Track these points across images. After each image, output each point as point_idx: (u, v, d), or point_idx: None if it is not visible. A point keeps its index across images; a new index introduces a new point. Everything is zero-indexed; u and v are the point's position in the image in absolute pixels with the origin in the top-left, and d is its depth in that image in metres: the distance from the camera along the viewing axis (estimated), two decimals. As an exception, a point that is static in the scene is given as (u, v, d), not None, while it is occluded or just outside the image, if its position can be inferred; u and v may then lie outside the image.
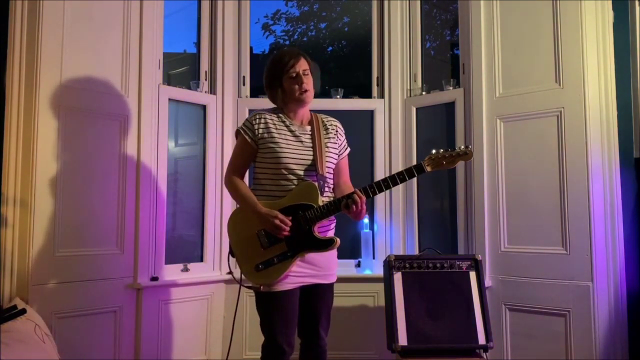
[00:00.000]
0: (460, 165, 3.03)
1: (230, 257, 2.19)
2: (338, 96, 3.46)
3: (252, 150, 2.17)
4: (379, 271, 3.08)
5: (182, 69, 3.48)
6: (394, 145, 3.39)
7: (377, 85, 3.50)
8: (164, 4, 3.08)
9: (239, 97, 3.41)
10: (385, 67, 3.45)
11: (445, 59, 3.76)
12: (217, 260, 3.25)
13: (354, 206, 2.01)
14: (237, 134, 2.23)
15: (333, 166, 2.23)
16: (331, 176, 2.22)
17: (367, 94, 3.50)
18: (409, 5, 3.48)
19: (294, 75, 2.15)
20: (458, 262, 2.76)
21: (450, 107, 3.26)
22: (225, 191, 2.55)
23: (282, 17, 4.36)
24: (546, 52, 2.86)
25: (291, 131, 2.17)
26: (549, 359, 2.74)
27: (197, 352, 3.11)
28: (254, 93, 3.45)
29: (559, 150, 2.79)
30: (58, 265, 2.52)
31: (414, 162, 3.23)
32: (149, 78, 2.95)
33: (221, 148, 3.30)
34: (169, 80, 3.29)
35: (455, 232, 3.18)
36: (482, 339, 2.61)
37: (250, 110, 3.32)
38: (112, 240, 2.75)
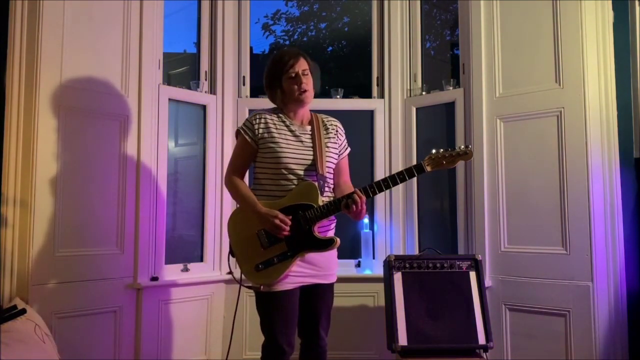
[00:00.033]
0: (460, 165, 3.03)
1: (230, 257, 2.19)
2: (338, 96, 3.46)
3: (252, 150, 2.17)
4: (379, 271, 3.08)
5: (182, 69, 3.48)
6: (394, 145, 3.39)
7: (377, 85, 3.50)
8: (164, 4, 3.08)
9: (239, 97, 3.41)
10: (385, 67, 3.45)
11: (445, 59, 3.76)
12: (217, 260, 3.25)
13: (354, 206, 2.01)
14: (237, 134, 2.23)
15: (333, 166, 2.23)
16: (331, 176, 2.22)
17: (367, 94, 3.50)
18: (409, 5, 3.48)
19: (293, 75, 2.15)
20: (458, 262, 2.76)
21: (450, 107, 3.26)
22: (225, 191, 2.55)
23: (282, 17, 4.36)
24: (546, 52, 2.86)
25: (291, 131, 2.17)
26: (549, 359, 2.74)
27: (197, 352, 3.11)
28: (254, 93, 3.45)
29: (559, 150, 2.79)
30: (58, 265, 2.52)
31: (414, 162, 3.23)
32: (149, 78, 2.95)
33: (221, 148, 3.30)
34: (169, 80, 3.29)
35: (455, 232, 3.18)
36: (482, 339, 2.61)
37: (250, 110, 3.32)
38: (112, 240, 2.75)
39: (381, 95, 3.47)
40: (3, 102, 2.43)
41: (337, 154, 2.25)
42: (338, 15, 4.26)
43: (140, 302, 2.84)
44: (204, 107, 3.31)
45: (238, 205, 2.21)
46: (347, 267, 3.25)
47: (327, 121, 2.28)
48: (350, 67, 4.10)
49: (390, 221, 3.35)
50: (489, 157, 3.02)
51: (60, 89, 2.57)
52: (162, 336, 2.94)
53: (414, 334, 2.60)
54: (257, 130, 2.15)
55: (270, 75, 2.22)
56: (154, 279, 2.91)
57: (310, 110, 2.28)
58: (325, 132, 2.23)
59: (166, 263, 3.02)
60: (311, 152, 2.14)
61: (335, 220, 2.22)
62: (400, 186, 3.26)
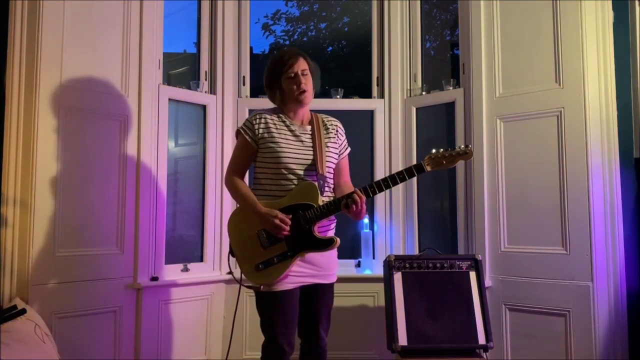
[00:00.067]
0: (460, 165, 3.03)
1: (230, 257, 2.19)
2: (338, 96, 3.46)
3: (252, 150, 2.17)
4: (379, 271, 3.07)
5: (182, 69, 3.48)
6: (394, 145, 3.39)
7: (377, 85, 3.50)
8: (164, 4, 3.08)
9: (239, 97, 3.41)
10: (385, 67, 3.45)
11: (445, 59, 3.76)
12: (217, 260, 3.25)
13: (354, 206, 2.01)
14: (238, 134, 2.23)
15: (333, 166, 2.23)
16: (331, 176, 2.22)
17: (367, 94, 3.50)
18: (409, 5, 3.48)
19: (292, 75, 2.15)
20: (458, 262, 2.76)
21: (450, 107, 3.26)
22: (225, 191, 2.55)
23: (282, 17, 4.36)
24: (546, 52, 2.86)
25: (291, 131, 2.17)
26: (549, 359, 2.74)
27: (197, 352, 3.11)
28: (254, 93, 3.45)
29: (559, 150, 2.79)
30: (58, 265, 2.52)
31: (414, 162, 3.22)
32: (149, 78, 2.95)
33: (221, 148, 3.30)
34: (169, 80, 3.29)
35: (455, 232, 3.18)
36: (482, 339, 2.61)
37: (250, 110, 3.32)
38: (112, 240, 2.75)
39: (381, 95, 3.47)
40: (3, 102, 2.43)
41: (337, 153, 2.25)
42: (338, 15, 4.26)
43: (140, 302, 2.84)
44: (204, 107, 3.31)
45: (238, 205, 2.21)
46: (347, 267, 3.25)
47: (327, 121, 2.28)
48: (350, 67, 4.10)
49: (390, 221, 3.35)
50: (489, 157, 3.02)
51: (60, 89, 2.57)
52: (162, 336, 2.94)
53: (414, 334, 2.60)
54: (257, 130, 2.15)
55: (269, 75, 2.22)
56: (154, 279, 2.91)
57: (311, 110, 2.28)
58: (325, 132, 2.23)
59: (166, 263, 3.02)
60: (311, 152, 2.14)
61: (336, 220, 2.22)
62: (400, 186, 3.26)
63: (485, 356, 2.62)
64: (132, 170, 2.85)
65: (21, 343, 1.91)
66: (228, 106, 3.35)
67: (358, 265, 3.31)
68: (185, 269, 3.13)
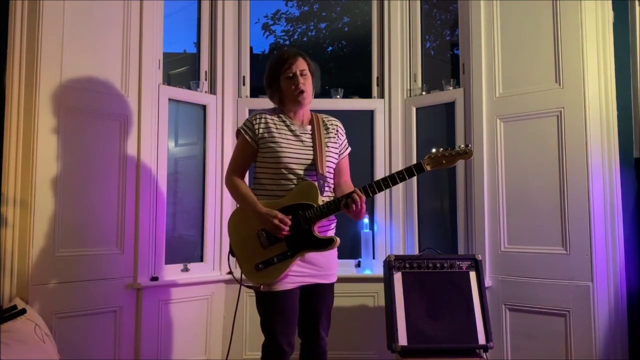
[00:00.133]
0: (460, 165, 3.04)
1: (230, 256, 2.19)
2: (338, 96, 3.46)
3: (252, 150, 2.17)
4: (379, 271, 3.07)
5: (182, 69, 3.48)
6: (394, 145, 3.39)
7: (377, 85, 3.50)
8: (164, 4, 3.08)
9: (239, 97, 3.41)
10: (385, 67, 3.45)
11: (445, 59, 3.76)
12: (217, 260, 3.25)
13: (354, 205, 2.01)
14: (238, 133, 2.23)
15: (333, 166, 2.23)
16: (331, 176, 2.22)
17: (367, 94, 3.50)
18: (409, 5, 3.48)
19: (291, 75, 2.16)
20: (458, 262, 2.76)
21: (450, 107, 3.26)
22: (225, 191, 2.55)
23: (282, 17, 4.36)
24: (546, 52, 2.86)
25: (291, 131, 2.17)
26: (549, 359, 2.74)
27: (197, 352, 3.11)
28: (254, 93, 3.46)
29: (559, 150, 2.79)
30: (58, 265, 2.52)
31: (414, 162, 3.22)
32: (149, 78, 2.95)
33: (221, 148, 3.30)
34: (169, 80, 3.29)
35: (455, 232, 3.18)
36: (482, 339, 2.61)
37: (250, 110, 3.32)
38: (112, 240, 2.75)
39: (381, 95, 3.47)
40: (3, 102, 2.43)
41: (337, 153, 2.25)
42: (338, 15, 4.26)
43: (140, 302, 2.84)
44: (204, 107, 3.31)
45: (238, 205, 2.21)
46: (347, 267, 3.25)
47: (328, 121, 2.28)
48: (350, 67, 4.10)
49: (390, 221, 3.35)
50: (489, 157, 3.02)
51: (60, 89, 2.57)
52: (162, 336, 2.94)
53: (414, 334, 2.60)
54: (257, 130, 2.15)
55: (269, 75, 2.22)
56: (154, 279, 2.91)
57: (311, 110, 2.28)
58: (325, 132, 2.23)
59: (166, 263, 3.02)
60: (311, 152, 2.14)
61: (336, 220, 2.22)
62: (400, 186, 3.26)
63: (485, 356, 2.62)
64: (132, 170, 2.85)
65: (21, 343, 1.91)
66: (228, 106, 3.35)
67: (358, 265, 3.31)
68: (185, 269, 3.13)
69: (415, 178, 3.20)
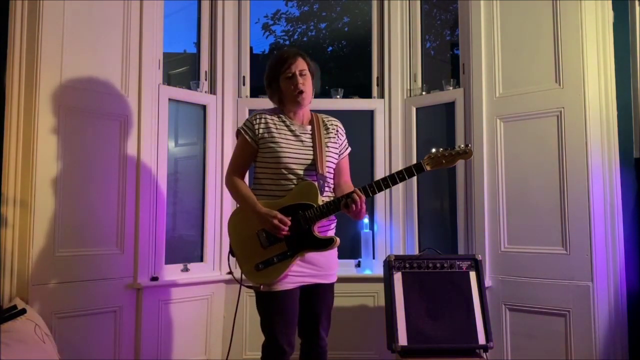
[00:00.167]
0: (460, 165, 3.04)
1: (230, 256, 2.19)
2: (338, 96, 3.46)
3: (252, 150, 2.17)
4: (379, 271, 3.07)
5: (182, 69, 3.48)
6: (394, 145, 3.39)
7: (377, 85, 3.50)
8: (164, 4, 3.08)
9: (239, 97, 3.41)
10: (385, 67, 3.45)
11: (445, 59, 3.76)
12: (217, 260, 3.25)
13: (354, 205, 2.01)
14: (238, 134, 2.23)
15: (333, 166, 2.23)
16: (331, 176, 2.22)
17: (367, 94, 3.50)
18: (409, 5, 3.48)
19: (290, 75, 2.16)
20: (458, 262, 2.76)
21: (450, 107, 3.26)
22: (225, 191, 2.55)
23: (282, 17, 4.36)
24: (546, 52, 2.86)
25: (291, 131, 2.17)
26: (549, 359, 2.74)
27: (197, 352, 3.11)
28: (254, 93, 3.45)
29: (559, 150, 2.79)
30: (58, 265, 2.52)
31: (414, 162, 3.23)
32: (149, 78, 2.95)
33: (221, 148, 3.30)
34: (169, 80, 3.29)
35: (455, 232, 3.18)
36: (482, 339, 2.61)
37: (250, 110, 3.32)
38: (112, 240, 2.75)
39: (381, 95, 3.47)
40: (3, 102, 2.43)
41: (337, 153, 2.25)
42: (338, 15, 4.26)
43: (140, 302, 2.84)
44: (204, 107, 3.31)
45: (238, 205, 2.21)
46: (347, 267, 3.25)
47: (328, 121, 2.28)
48: (350, 67, 4.10)
49: (390, 221, 3.35)
50: (489, 157, 3.02)
51: (60, 89, 2.57)
52: (162, 336, 2.94)
53: (414, 334, 2.60)
54: (257, 130, 2.15)
55: (269, 75, 2.22)
56: (154, 279, 2.91)
57: (311, 110, 2.28)
58: (325, 132, 2.23)
59: (166, 263, 3.02)
60: (311, 152, 2.14)
61: (336, 220, 2.22)
62: (400, 186, 3.26)
63: (485, 356, 2.62)
64: (132, 170, 2.85)
65: (21, 343, 1.91)
66: (228, 106, 3.36)
67: (358, 265, 3.31)
68: (185, 269, 3.13)
69: (415, 178, 3.20)
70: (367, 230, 3.30)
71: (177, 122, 3.21)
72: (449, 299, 2.69)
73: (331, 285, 2.22)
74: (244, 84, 3.44)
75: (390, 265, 2.75)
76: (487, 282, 2.91)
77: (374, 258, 3.30)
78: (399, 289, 2.70)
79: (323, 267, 2.15)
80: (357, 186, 2.09)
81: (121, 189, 2.79)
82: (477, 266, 2.75)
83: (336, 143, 2.26)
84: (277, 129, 2.16)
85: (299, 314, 2.13)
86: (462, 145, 2.09)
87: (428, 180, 3.31)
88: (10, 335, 1.91)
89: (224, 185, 2.38)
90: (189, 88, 3.26)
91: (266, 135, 2.14)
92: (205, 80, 3.37)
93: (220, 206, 3.27)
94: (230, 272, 2.22)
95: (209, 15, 3.41)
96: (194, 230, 3.26)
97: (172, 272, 3.04)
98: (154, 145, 2.97)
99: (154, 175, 2.96)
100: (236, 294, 2.35)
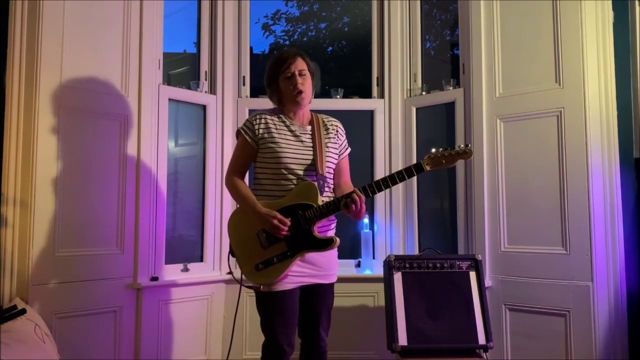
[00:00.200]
0: (460, 165, 3.04)
1: (230, 256, 2.19)
2: (338, 96, 3.46)
3: (252, 150, 2.17)
4: (379, 271, 3.08)
5: (182, 69, 3.49)
6: (394, 145, 3.39)
7: (377, 85, 3.50)
8: (164, 4, 3.08)
9: (239, 97, 3.41)
10: (385, 67, 3.45)
11: (445, 59, 3.75)
12: (217, 260, 3.25)
13: (353, 205, 2.01)
14: (238, 134, 2.23)
15: (333, 166, 2.23)
16: (331, 176, 2.22)
17: (367, 94, 3.50)
18: (409, 5, 3.48)
19: (289, 75, 2.16)
20: (458, 262, 2.76)
21: (450, 107, 3.26)
22: (225, 191, 2.55)
23: (282, 17, 4.36)
24: (546, 52, 2.86)
25: (291, 131, 2.17)
26: (549, 359, 2.74)
27: (197, 352, 3.11)
28: (254, 93, 3.45)
29: (559, 150, 2.79)
30: (58, 265, 2.52)
31: (414, 162, 3.23)
32: (149, 78, 2.95)
33: (221, 148, 3.30)
34: (169, 80, 3.29)
35: (455, 232, 3.18)
36: (482, 339, 2.61)
37: (250, 110, 3.32)
38: (112, 240, 2.75)
39: (381, 95, 3.47)
40: (3, 102, 2.43)
41: (337, 154, 2.25)
42: (338, 15, 4.26)
43: (140, 302, 2.84)
44: (204, 107, 3.31)
45: (238, 205, 2.21)
46: (347, 267, 3.25)
47: (328, 121, 2.28)
48: (350, 67, 4.10)
49: (390, 221, 3.35)
50: (489, 157, 3.02)
51: (60, 89, 2.57)
52: (162, 336, 2.94)
53: (414, 334, 2.60)
54: (257, 131, 2.15)
55: (269, 75, 2.23)
56: (154, 279, 2.91)
57: (311, 110, 2.28)
58: (325, 132, 2.23)
59: (166, 263, 3.02)
60: (311, 152, 2.14)
61: (335, 220, 2.22)
62: (400, 186, 3.26)
63: (485, 356, 2.62)
64: (132, 170, 2.85)
65: (21, 343, 1.91)
66: (228, 106, 3.36)
67: (358, 265, 3.31)
68: (185, 269, 3.13)
69: (415, 178, 3.20)
70: (367, 230, 3.30)
71: (177, 122, 3.21)
72: (449, 299, 2.69)
73: (331, 285, 2.22)
74: (244, 84, 3.44)
75: (390, 265, 2.75)
76: (487, 282, 2.91)
77: (374, 258, 3.30)
78: (399, 289, 2.70)
79: (323, 267, 2.15)
80: (357, 186, 2.09)
81: (121, 189, 2.79)
82: (477, 266, 2.75)
83: (336, 143, 2.26)
84: (277, 129, 2.16)
85: (299, 314, 2.13)
86: (462, 145, 2.09)
87: (428, 180, 3.31)
88: (10, 335, 1.91)
89: (224, 186, 2.38)
90: (189, 88, 3.27)
91: (266, 135, 2.14)
92: (205, 80, 3.37)
93: (220, 206, 3.27)
94: (230, 272, 2.22)
95: (209, 15, 3.41)
96: (194, 230, 3.26)
97: (172, 272, 3.04)
98: (154, 145, 2.97)
99: (154, 175, 2.96)
100: (236, 294, 2.35)
